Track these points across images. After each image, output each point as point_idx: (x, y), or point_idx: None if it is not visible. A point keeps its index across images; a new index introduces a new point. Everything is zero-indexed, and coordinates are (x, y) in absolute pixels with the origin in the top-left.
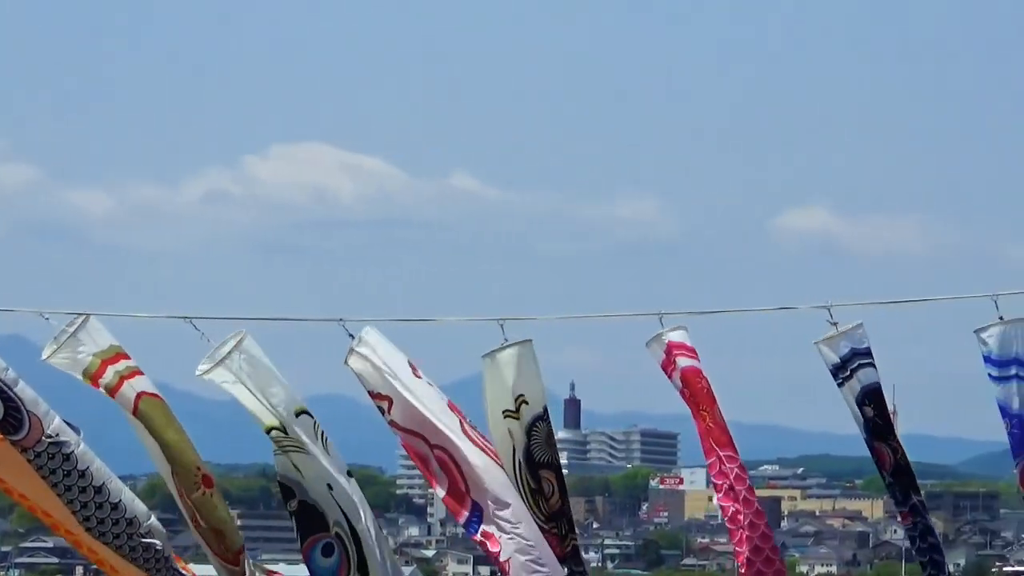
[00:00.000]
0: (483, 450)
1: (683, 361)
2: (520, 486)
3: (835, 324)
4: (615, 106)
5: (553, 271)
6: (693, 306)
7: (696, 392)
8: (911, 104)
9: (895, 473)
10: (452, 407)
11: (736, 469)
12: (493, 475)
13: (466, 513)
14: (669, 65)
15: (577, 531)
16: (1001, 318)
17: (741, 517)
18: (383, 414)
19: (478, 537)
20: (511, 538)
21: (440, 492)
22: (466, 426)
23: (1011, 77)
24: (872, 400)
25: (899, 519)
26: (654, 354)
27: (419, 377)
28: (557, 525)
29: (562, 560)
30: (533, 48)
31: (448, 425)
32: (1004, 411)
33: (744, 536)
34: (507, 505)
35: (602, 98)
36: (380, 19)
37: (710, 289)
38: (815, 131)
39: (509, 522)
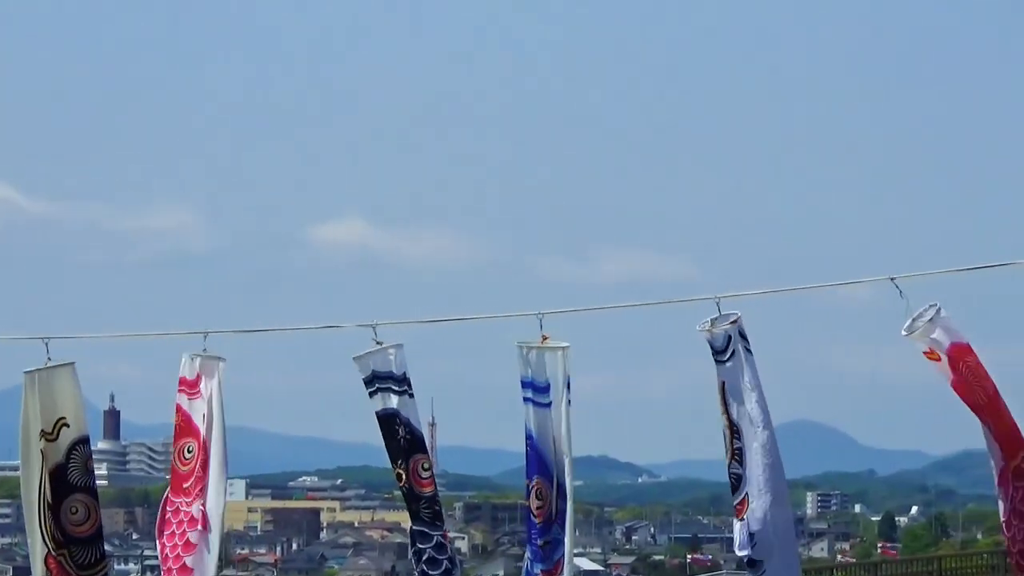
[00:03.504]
0: None
1: (179, 398)
2: (40, 510)
3: (379, 342)
4: (152, 113)
5: (95, 284)
6: (236, 320)
7: (179, 424)
8: (441, 119)
9: (404, 498)
10: None
11: (182, 525)
12: None
13: None
14: (203, 73)
15: (117, 542)
16: (544, 337)
17: None
18: None
19: None
20: None
21: None
22: None
23: (529, 98)
24: (381, 425)
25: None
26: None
27: None
28: (83, 550)
29: None
30: (73, 53)
31: None
32: (525, 429)
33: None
34: None
35: (140, 105)
36: None
37: (254, 302)
38: (343, 141)
39: None
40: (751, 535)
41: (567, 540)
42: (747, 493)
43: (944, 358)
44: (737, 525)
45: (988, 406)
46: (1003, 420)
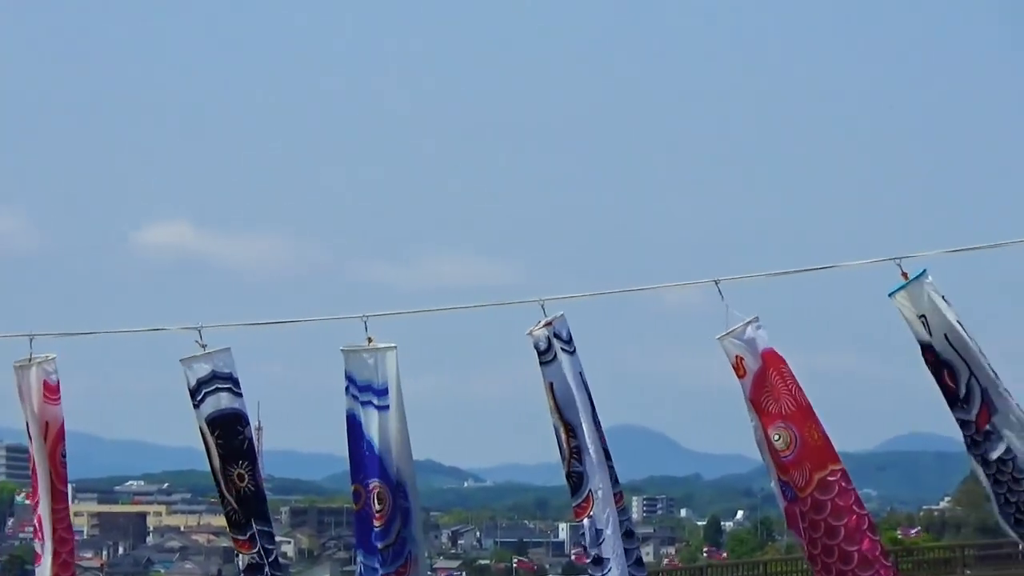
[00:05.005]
0: None
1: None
2: None
3: (204, 345)
4: None
5: None
6: (62, 323)
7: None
8: (266, 122)
9: (240, 501)
10: None
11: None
12: None
13: None
14: (28, 72)
15: None
16: (370, 340)
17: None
18: None
19: None
20: None
21: None
22: None
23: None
24: (219, 426)
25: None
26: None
27: None
28: None
29: None
30: None
31: None
32: (359, 433)
33: None
34: None
35: None
36: None
37: (78, 305)
38: (169, 142)
39: None
40: (599, 532)
41: (417, 537)
42: (591, 490)
43: (750, 374)
44: (586, 523)
45: (796, 415)
46: (812, 431)
